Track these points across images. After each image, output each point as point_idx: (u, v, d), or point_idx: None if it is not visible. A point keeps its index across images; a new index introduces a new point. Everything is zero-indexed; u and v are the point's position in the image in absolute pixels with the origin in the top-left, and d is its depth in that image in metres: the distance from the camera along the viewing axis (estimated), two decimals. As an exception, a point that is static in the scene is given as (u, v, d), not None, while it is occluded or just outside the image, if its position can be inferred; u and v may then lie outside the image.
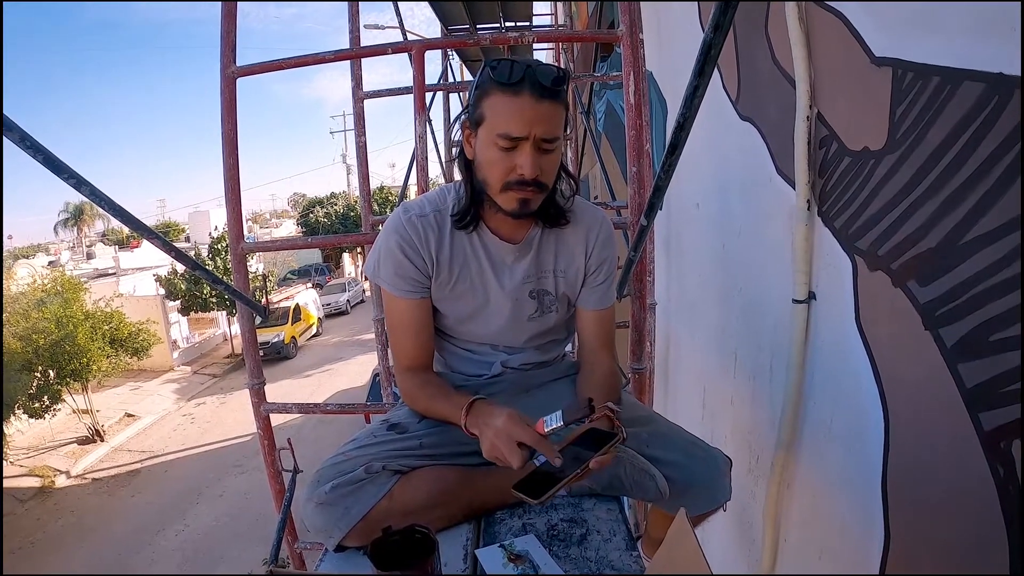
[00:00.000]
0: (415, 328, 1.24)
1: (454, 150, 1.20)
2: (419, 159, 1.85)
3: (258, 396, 2.17)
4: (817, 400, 1.29)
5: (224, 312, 18.33)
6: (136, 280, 18.64)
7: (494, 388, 1.32)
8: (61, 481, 11.13)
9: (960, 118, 0.83)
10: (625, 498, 1.31)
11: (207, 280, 1.93)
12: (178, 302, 17.23)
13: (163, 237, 1.69)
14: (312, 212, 29.75)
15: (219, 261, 17.32)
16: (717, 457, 1.21)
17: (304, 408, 2.24)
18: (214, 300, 16.96)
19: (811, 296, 1.27)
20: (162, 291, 17.27)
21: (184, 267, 2.18)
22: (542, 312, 1.27)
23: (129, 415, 14.11)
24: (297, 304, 19.47)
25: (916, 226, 0.94)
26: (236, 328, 19.83)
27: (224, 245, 17.59)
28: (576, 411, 0.97)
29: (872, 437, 1.06)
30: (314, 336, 20.38)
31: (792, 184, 1.33)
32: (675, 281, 2.56)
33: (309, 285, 24.09)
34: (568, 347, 1.45)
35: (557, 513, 1.18)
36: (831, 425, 1.23)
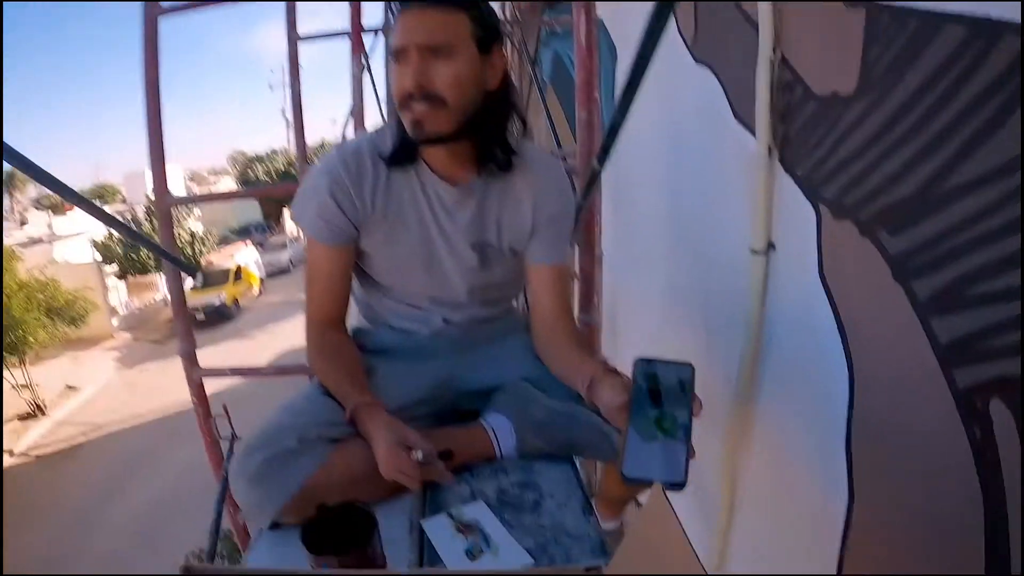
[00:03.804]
0: (330, 278, 1.16)
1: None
2: (356, 103, 1.72)
3: (190, 361, 2.05)
4: (776, 355, 1.24)
5: (164, 275, 17.76)
6: (71, 246, 17.81)
7: (435, 346, 1.24)
8: (5, 461, 10.70)
9: (940, 62, 0.76)
10: (578, 458, 1.26)
11: (129, 238, 1.80)
12: (115, 266, 16.57)
13: (89, 201, 1.57)
14: (251, 169, 28.97)
15: (155, 222, 16.63)
16: None
17: (240, 372, 2.13)
18: (152, 262, 16.37)
19: (770, 246, 1.22)
20: (98, 256, 16.57)
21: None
22: (485, 266, 1.19)
23: (70, 387, 13.68)
24: (238, 264, 19.11)
25: (887, 174, 0.88)
26: (177, 292, 19.39)
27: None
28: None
29: (836, 394, 1.02)
30: (257, 296, 20.00)
31: (751, 130, 1.26)
32: (623, 231, 2.47)
33: (249, 244, 23.52)
34: (516, 302, 1.38)
35: (507, 477, 1.12)
36: (791, 381, 1.19)
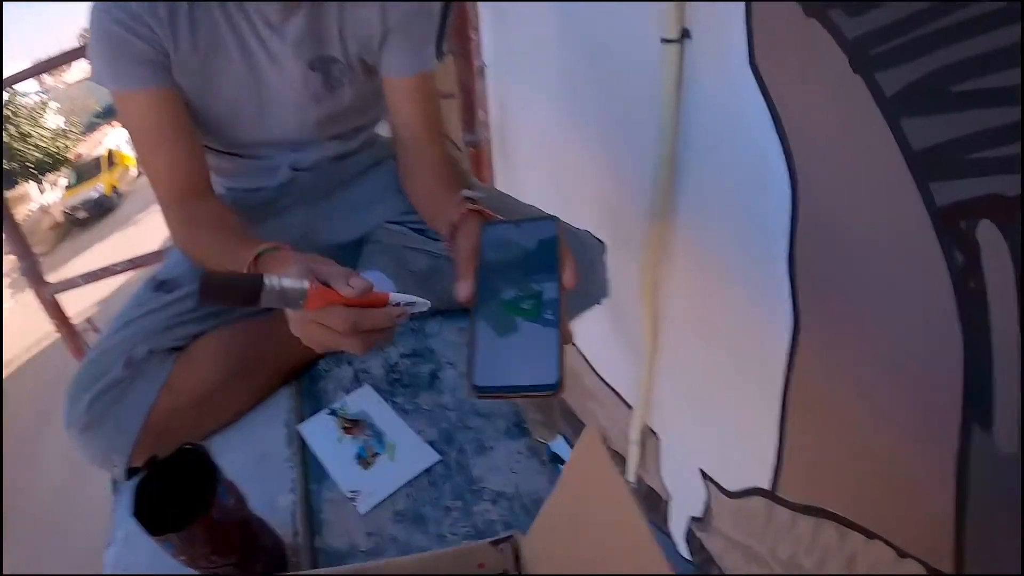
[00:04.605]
0: (167, 132, 0.85)
1: None
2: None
3: (37, 281, 1.73)
4: (697, 162, 1.06)
5: (34, 183, 16.22)
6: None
7: (286, 200, 1.02)
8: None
9: None
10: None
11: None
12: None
13: None
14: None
15: (11, 128, 14.81)
16: (585, 242, 0.99)
17: (94, 277, 1.82)
18: (19, 172, 14.79)
19: (685, 34, 0.99)
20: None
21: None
22: (330, 88, 0.93)
23: (-32, 328, 12.60)
24: (109, 149, 17.39)
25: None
26: (52, 195, 17.78)
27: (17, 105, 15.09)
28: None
29: (773, 206, 0.86)
30: (136, 177, 18.26)
31: None
32: (508, 36, 2.16)
33: (116, 123, 21.62)
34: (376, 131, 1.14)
35: (395, 349, 0.93)
36: (718, 192, 1.03)
